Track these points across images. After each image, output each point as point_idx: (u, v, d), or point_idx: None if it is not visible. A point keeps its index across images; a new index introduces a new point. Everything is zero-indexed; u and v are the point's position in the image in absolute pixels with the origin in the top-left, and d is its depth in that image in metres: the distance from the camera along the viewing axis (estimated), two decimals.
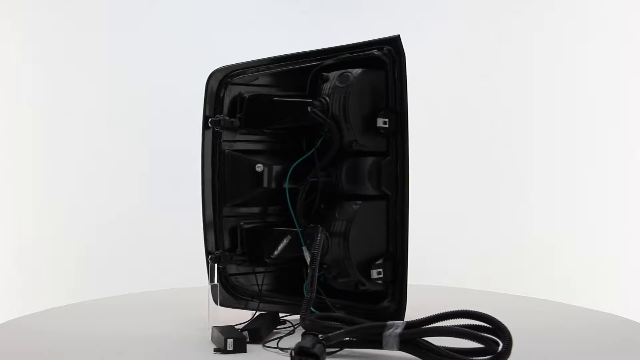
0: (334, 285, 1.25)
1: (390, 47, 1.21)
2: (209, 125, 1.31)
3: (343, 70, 1.22)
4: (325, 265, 1.23)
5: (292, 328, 1.23)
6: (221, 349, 1.09)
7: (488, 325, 0.98)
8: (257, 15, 2.77)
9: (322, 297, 1.21)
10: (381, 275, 1.21)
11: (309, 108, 1.21)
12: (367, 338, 1.04)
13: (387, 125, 1.20)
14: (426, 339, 1.00)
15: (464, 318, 1.00)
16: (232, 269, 1.33)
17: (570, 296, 1.77)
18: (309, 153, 1.26)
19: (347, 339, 1.05)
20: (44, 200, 2.70)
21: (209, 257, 1.31)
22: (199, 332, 1.21)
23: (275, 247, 1.27)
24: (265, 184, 1.29)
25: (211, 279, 1.30)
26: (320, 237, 1.18)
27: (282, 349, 1.09)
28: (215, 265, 1.30)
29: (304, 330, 1.09)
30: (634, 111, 2.65)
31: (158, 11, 2.74)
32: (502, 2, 2.72)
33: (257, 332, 1.16)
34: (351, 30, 2.40)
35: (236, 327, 1.18)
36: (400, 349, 1.00)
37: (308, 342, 1.00)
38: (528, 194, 2.67)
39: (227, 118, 1.30)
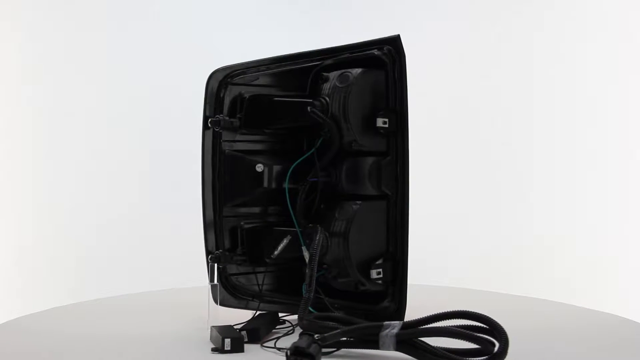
0: (333, 285, 1.25)
1: (390, 47, 1.21)
2: (209, 125, 1.31)
3: (343, 70, 1.22)
4: (325, 265, 1.23)
5: (291, 328, 1.23)
6: (219, 349, 1.09)
7: (485, 326, 0.98)
8: (257, 15, 2.77)
9: (321, 297, 1.22)
10: (381, 276, 1.21)
11: (308, 108, 1.21)
12: (363, 338, 1.04)
13: (387, 125, 1.20)
14: (423, 339, 1.00)
15: (461, 318, 1.00)
16: (232, 268, 1.33)
17: (570, 296, 1.77)
18: (309, 153, 1.26)
19: (344, 339, 1.05)
20: (44, 200, 2.70)
21: (209, 257, 1.31)
22: (198, 332, 1.21)
23: (275, 247, 1.27)
24: (265, 184, 1.29)
25: (211, 279, 1.30)
26: (319, 237, 1.18)
27: (279, 349, 1.09)
28: (215, 265, 1.30)
29: (301, 330, 1.09)
30: (634, 111, 2.65)
31: (158, 11, 2.74)
32: (502, 2, 2.72)
33: (256, 332, 1.16)
34: (351, 30, 2.40)
35: (235, 327, 1.18)
36: (397, 349, 1.00)
37: (303, 342, 1.00)
38: (528, 194, 2.67)
39: (227, 118, 1.30)
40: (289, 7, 2.79)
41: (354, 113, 1.20)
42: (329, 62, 1.26)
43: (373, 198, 1.22)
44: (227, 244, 1.33)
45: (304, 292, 1.14)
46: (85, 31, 2.70)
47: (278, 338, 1.16)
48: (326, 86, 1.23)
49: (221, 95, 1.32)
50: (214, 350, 1.10)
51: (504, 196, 2.67)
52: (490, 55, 2.70)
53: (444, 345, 0.99)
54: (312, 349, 0.99)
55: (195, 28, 2.73)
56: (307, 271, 1.15)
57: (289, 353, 1.00)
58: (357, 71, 1.21)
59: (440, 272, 2.39)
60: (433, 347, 0.99)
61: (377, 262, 1.21)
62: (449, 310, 1.01)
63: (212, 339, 1.15)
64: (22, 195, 2.71)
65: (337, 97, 1.20)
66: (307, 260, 1.19)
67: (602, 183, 2.64)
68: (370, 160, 1.22)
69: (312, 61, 1.29)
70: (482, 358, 0.96)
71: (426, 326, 1.00)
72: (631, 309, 1.80)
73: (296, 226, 1.25)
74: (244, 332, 1.14)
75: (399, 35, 1.20)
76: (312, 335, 1.03)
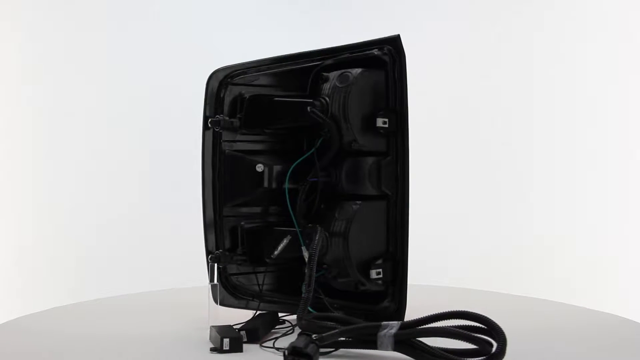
0: (333, 285, 1.25)
1: (390, 47, 1.21)
2: (209, 125, 1.31)
3: (343, 70, 1.22)
4: (325, 265, 1.23)
5: (290, 328, 1.23)
6: (217, 349, 1.09)
7: (483, 326, 0.98)
8: (257, 15, 2.77)
9: (320, 297, 1.21)
10: (381, 276, 1.21)
11: (308, 108, 1.21)
12: (361, 338, 1.04)
13: (386, 125, 1.20)
14: (421, 339, 1.00)
15: (459, 319, 1.00)
16: (232, 268, 1.33)
17: (570, 296, 1.77)
18: (309, 153, 1.26)
19: (342, 339, 1.05)
20: (44, 200, 2.70)
21: (209, 257, 1.31)
22: (198, 332, 1.21)
23: (275, 247, 1.27)
24: (265, 184, 1.29)
25: (211, 279, 1.30)
26: (318, 237, 1.18)
27: (278, 349, 1.09)
28: (215, 265, 1.30)
29: (300, 330, 1.09)
30: (634, 111, 2.65)
31: (158, 11, 2.74)
32: (502, 2, 2.72)
33: (255, 332, 1.16)
34: (351, 30, 2.41)
35: (234, 326, 1.18)
36: (395, 350, 1.00)
37: (301, 342, 1.00)
38: (528, 194, 2.67)
39: (227, 118, 1.30)
40: (289, 7, 2.79)
41: (353, 113, 1.20)
42: (329, 62, 1.26)
43: (373, 198, 1.22)
44: (227, 244, 1.33)
45: (303, 292, 1.14)
46: (85, 31, 2.70)
47: (277, 338, 1.16)
48: (326, 86, 1.23)
49: (221, 95, 1.32)
50: (212, 350, 1.10)
51: (504, 196, 2.67)
52: (490, 55, 2.70)
53: (442, 346, 0.99)
54: (310, 349, 0.99)
55: (195, 28, 2.73)
56: (306, 271, 1.15)
57: (286, 353, 1.00)
58: (357, 71, 1.21)
59: (440, 272, 2.39)
60: (431, 347, 0.99)
61: (377, 262, 1.21)
62: (447, 311, 1.01)
63: (211, 338, 1.15)
64: (22, 195, 2.71)
65: (337, 97, 1.20)
66: (306, 260, 1.20)
67: (602, 183, 2.64)
68: (370, 160, 1.22)
69: (312, 61, 1.29)
70: (480, 358, 0.96)
71: (424, 326, 1.00)
72: (631, 309, 1.80)
73: (296, 226, 1.25)
74: (243, 332, 1.14)
75: (399, 35, 1.20)
76: (310, 335, 1.03)
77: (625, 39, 2.64)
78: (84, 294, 1.85)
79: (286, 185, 1.27)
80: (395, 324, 1.01)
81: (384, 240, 1.22)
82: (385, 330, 1.00)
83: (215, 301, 1.28)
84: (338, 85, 1.21)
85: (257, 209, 1.35)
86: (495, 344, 0.96)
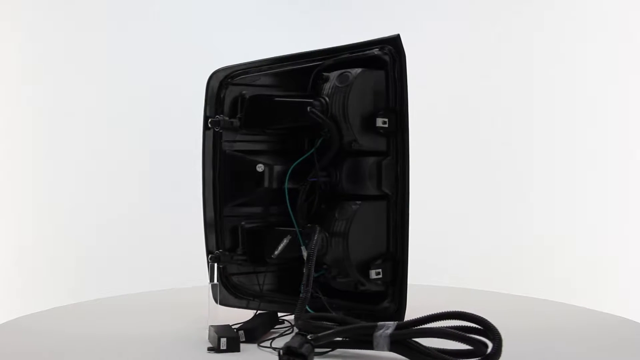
0: (333, 285, 1.25)
1: (390, 47, 1.21)
2: (209, 125, 1.31)
3: (343, 70, 1.22)
4: (325, 266, 1.23)
5: (289, 328, 1.23)
6: (215, 348, 1.09)
7: (479, 327, 0.98)
8: (257, 15, 2.77)
9: (318, 296, 1.21)
10: (380, 276, 1.21)
11: (308, 108, 1.21)
12: (358, 338, 1.04)
13: (386, 125, 1.20)
14: (417, 340, 1.00)
15: (455, 319, 1.00)
16: (232, 268, 1.33)
17: (570, 296, 1.77)
18: (308, 153, 1.26)
19: (339, 339, 1.05)
20: (44, 200, 2.70)
21: (209, 256, 1.31)
22: (198, 332, 1.21)
23: (276, 247, 1.27)
24: (266, 184, 1.29)
25: (211, 279, 1.30)
26: (316, 237, 1.18)
27: (275, 349, 1.09)
28: (215, 264, 1.30)
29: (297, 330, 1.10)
30: (634, 111, 2.65)
31: (158, 11, 2.74)
32: (502, 2, 2.72)
33: (253, 332, 1.16)
34: (351, 30, 2.40)
35: (233, 326, 1.18)
36: (391, 350, 1.00)
37: (296, 342, 1.00)
38: (528, 194, 2.67)
39: (227, 118, 1.30)
40: (289, 7, 2.79)
41: (353, 113, 1.20)
42: (329, 62, 1.26)
43: (373, 198, 1.22)
44: (227, 243, 1.33)
45: (301, 292, 1.14)
46: (85, 31, 2.70)
47: (273, 338, 1.16)
48: (326, 86, 1.23)
49: (222, 95, 1.32)
50: (210, 349, 1.10)
51: (504, 196, 2.67)
52: (490, 55, 2.70)
53: (438, 346, 0.99)
54: (305, 349, 0.99)
55: (195, 28, 2.73)
56: (304, 271, 1.15)
57: (281, 353, 1.00)
58: (356, 71, 1.21)
59: (440, 271, 2.39)
60: (426, 347, 0.99)
61: (376, 262, 1.21)
62: (443, 311, 1.01)
63: (210, 338, 1.15)
64: (22, 195, 2.71)
65: (337, 97, 1.20)
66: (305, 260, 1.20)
67: (602, 183, 2.64)
68: (370, 160, 1.22)
69: (312, 61, 1.29)
70: (475, 359, 0.96)
71: (420, 327, 1.00)
72: (631, 309, 1.80)
73: (295, 226, 1.25)
74: (241, 332, 1.14)
75: (399, 35, 1.20)
76: (305, 335, 1.03)
77: (625, 39, 2.64)
78: (84, 294, 1.85)
79: (286, 185, 1.27)
80: (391, 325, 1.01)
81: (384, 241, 1.22)
82: (381, 331, 1.00)
83: (216, 301, 1.28)
84: (338, 85, 1.21)
85: (258, 209, 1.35)
86: (490, 345, 0.95)
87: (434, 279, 1.87)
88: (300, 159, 1.26)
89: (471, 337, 0.95)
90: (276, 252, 1.27)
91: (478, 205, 2.67)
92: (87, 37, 2.70)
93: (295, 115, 1.26)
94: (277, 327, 1.24)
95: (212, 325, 1.17)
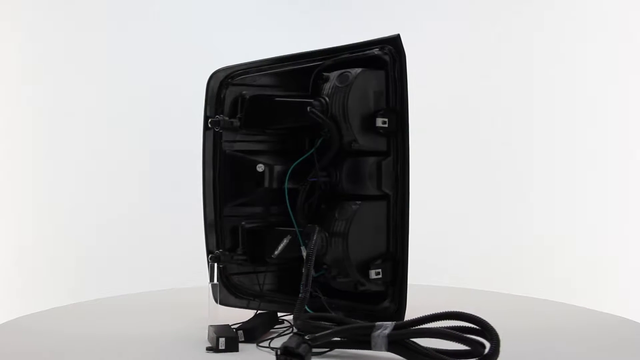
0: (333, 285, 1.25)
1: (390, 47, 1.21)
2: (209, 125, 1.31)
3: (343, 70, 1.22)
4: (325, 266, 1.23)
5: (289, 328, 1.23)
6: (213, 348, 1.09)
7: (477, 327, 0.98)
8: (257, 15, 2.77)
9: (318, 296, 1.21)
10: (380, 276, 1.21)
11: (308, 108, 1.21)
12: (356, 339, 1.04)
13: (386, 125, 1.20)
14: (414, 340, 1.00)
15: (453, 319, 1.00)
16: (233, 268, 1.34)
17: (570, 296, 1.77)
18: (308, 153, 1.26)
19: (337, 339, 1.05)
20: (44, 200, 2.70)
21: (209, 256, 1.31)
22: (198, 332, 1.21)
23: (276, 247, 1.27)
24: (266, 184, 1.29)
25: (211, 278, 1.30)
26: (315, 237, 1.18)
27: (273, 349, 1.09)
28: (215, 264, 1.30)
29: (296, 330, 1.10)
30: (634, 111, 2.65)
31: (158, 11, 2.74)
32: (502, 2, 2.72)
33: (252, 332, 1.16)
34: (351, 30, 2.40)
35: (232, 326, 1.18)
36: (389, 350, 1.00)
37: (293, 342, 1.00)
38: (528, 194, 2.67)
39: (227, 119, 1.30)
40: (289, 7, 2.79)
41: (353, 113, 1.20)
42: (329, 62, 1.26)
43: (373, 198, 1.22)
44: (227, 243, 1.33)
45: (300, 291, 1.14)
46: (85, 31, 2.70)
47: (272, 338, 1.16)
48: (326, 86, 1.23)
49: (222, 95, 1.33)
50: (208, 349, 1.10)
51: (504, 196, 2.67)
52: (490, 55, 2.70)
53: (436, 346, 0.99)
54: (302, 349, 1.00)
55: (195, 28, 2.73)
56: (303, 271, 1.15)
57: (278, 352, 1.00)
58: (356, 71, 1.21)
59: (440, 271, 2.39)
60: (424, 347, 0.99)
61: (376, 262, 1.21)
62: (441, 312, 1.01)
63: (209, 338, 1.15)
64: (22, 195, 2.71)
65: (337, 97, 1.20)
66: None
67: (602, 183, 2.64)
68: (370, 160, 1.22)
69: (312, 61, 1.29)
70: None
71: (418, 327, 1.00)
72: (631, 309, 1.80)
73: (295, 226, 1.25)
74: (240, 332, 1.14)
75: (399, 35, 1.20)
76: (303, 335, 1.03)
77: (625, 39, 2.64)
78: (84, 294, 1.85)
79: (286, 186, 1.27)
80: (389, 325, 1.01)
81: (384, 241, 1.22)
82: (379, 331, 1.00)
83: (216, 300, 1.28)
84: (338, 85, 1.21)
85: (258, 209, 1.35)
86: (488, 345, 0.95)
87: (434, 279, 1.87)
88: (300, 159, 1.26)
89: (468, 338, 0.95)
90: (276, 252, 1.27)
91: (478, 205, 2.67)
92: (87, 37, 2.70)
93: (295, 115, 1.26)
94: (276, 327, 1.24)
95: (211, 325, 1.17)
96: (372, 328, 1.01)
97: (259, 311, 1.29)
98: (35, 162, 2.71)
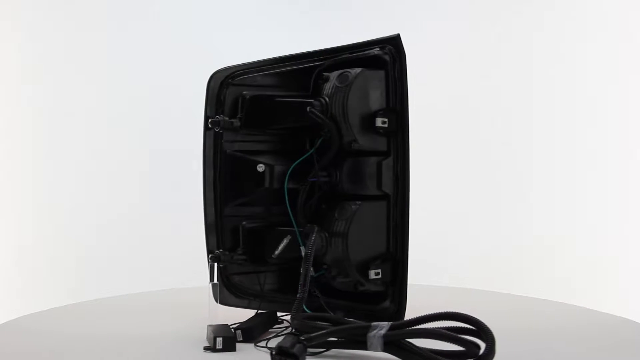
0: (333, 285, 1.25)
1: (390, 46, 1.21)
2: (209, 125, 1.31)
3: (343, 70, 1.22)
4: (325, 266, 1.23)
5: (287, 328, 1.23)
6: (211, 348, 1.09)
7: (473, 328, 0.98)
8: (257, 15, 2.77)
9: (317, 296, 1.21)
10: (379, 276, 1.21)
11: (307, 108, 1.21)
12: (352, 339, 1.04)
13: (386, 125, 1.20)
14: (410, 340, 1.00)
15: (449, 320, 1.00)
16: (233, 268, 1.33)
17: (570, 296, 1.77)
18: (308, 153, 1.26)
19: (333, 339, 1.05)
20: (44, 200, 2.70)
21: (209, 256, 1.31)
22: (198, 332, 1.21)
23: (276, 247, 1.27)
24: (266, 184, 1.29)
25: (211, 278, 1.30)
26: (313, 237, 1.18)
27: (269, 349, 1.09)
28: (215, 264, 1.30)
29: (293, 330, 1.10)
30: (634, 111, 2.65)
31: (158, 11, 2.74)
32: (502, 2, 2.72)
33: (250, 331, 1.16)
34: (351, 30, 2.40)
35: (231, 326, 1.18)
36: (384, 350, 1.00)
37: (287, 342, 1.00)
38: (528, 194, 2.67)
39: (227, 119, 1.30)
40: (289, 7, 2.79)
41: (353, 113, 1.20)
42: (329, 62, 1.26)
43: (373, 198, 1.22)
44: (228, 243, 1.33)
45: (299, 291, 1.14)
46: (85, 31, 2.70)
47: (269, 338, 1.16)
48: (326, 86, 1.23)
49: (222, 95, 1.32)
50: (206, 349, 1.10)
51: (504, 196, 2.67)
52: (490, 55, 2.70)
53: (432, 347, 0.99)
54: (296, 349, 0.99)
55: (195, 28, 2.73)
56: (301, 270, 1.15)
57: (273, 352, 1.00)
58: (356, 71, 1.21)
59: (440, 272, 2.39)
60: (419, 348, 0.99)
61: (376, 262, 1.21)
62: (437, 312, 1.01)
63: (207, 337, 1.15)
64: (22, 195, 2.71)
65: (336, 97, 1.20)
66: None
67: (602, 183, 2.64)
68: (370, 160, 1.22)
69: (312, 61, 1.29)
70: None
71: (413, 328, 1.00)
72: (631, 309, 1.80)
73: (294, 226, 1.25)
74: (238, 332, 1.14)
75: (399, 35, 1.20)
76: (298, 335, 1.03)
77: (625, 39, 2.64)
78: (84, 294, 1.85)
79: (285, 186, 1.27)
80: (385, 325, 1.01)
81: (384, 241, 1.22)
82: (375, 331, 1.00)
83: (216, 300, 1.28)
84: (338, 85, 1.21)
85: (258, 209, 1.35)
86: (483, 346, 0.96)
87: (434, 279, 1.87)
88: (300, 159, 1.26)
89: (463, 338, 0.95)
90: (276, 252, 1.27)
91: (478, 205, 2.67)
92: (87, 37, 2.70)
93: (295, 115, 1.26)
94: (275, 327, 1.24)
95: (209, 325, 1.17)
96: (368, 328, 1.01)
97: (258, 311, 1.29)
98: (35, 162, 2.71)
